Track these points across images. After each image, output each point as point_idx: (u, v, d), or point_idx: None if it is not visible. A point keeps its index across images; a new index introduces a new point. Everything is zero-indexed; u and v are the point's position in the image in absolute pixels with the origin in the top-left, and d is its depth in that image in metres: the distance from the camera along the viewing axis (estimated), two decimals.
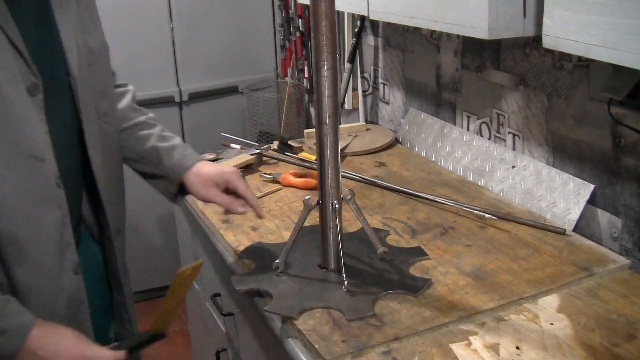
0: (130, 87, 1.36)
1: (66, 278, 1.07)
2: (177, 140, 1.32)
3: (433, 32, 1.87)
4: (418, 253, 1.31)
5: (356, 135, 2.04)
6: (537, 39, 1.18)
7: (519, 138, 1.60)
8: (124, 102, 1.31)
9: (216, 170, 1.26)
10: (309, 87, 2.75)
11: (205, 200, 1.28)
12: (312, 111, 2.74)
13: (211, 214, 1.56)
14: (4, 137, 0.96)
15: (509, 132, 1.63)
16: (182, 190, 1.29)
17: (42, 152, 1.02)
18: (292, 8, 2.74)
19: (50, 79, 1.04)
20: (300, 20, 2.69)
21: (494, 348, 1.03)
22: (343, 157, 1.90)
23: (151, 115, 1.34)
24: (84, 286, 1.11)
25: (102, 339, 1.19)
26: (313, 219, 1.31)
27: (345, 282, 1.17)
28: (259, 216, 1.28)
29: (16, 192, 0.99)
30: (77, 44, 1.08)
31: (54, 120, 1.05)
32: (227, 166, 1.28)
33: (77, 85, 1.08)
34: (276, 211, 1.56)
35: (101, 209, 1.19)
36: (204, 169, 1.26)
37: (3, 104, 0.96)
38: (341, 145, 1.57)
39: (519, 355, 1.01)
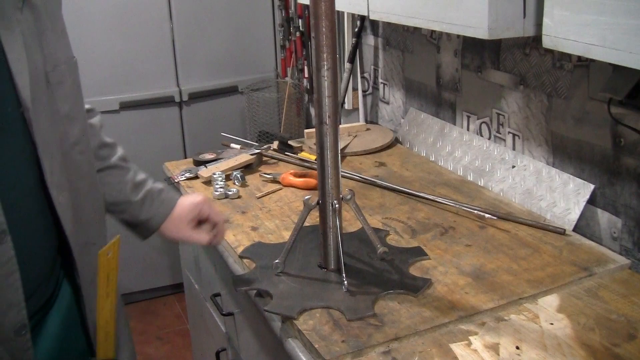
0: (96, 118, 1.22)
1: (9, 342, 0.94)
2: (149, 184, 1.26)
3: (433, 32, 1.87)
4: (418, 253, 1.32)
5: (356, 135, 2.04)
6: (537, 39, 1.18)
7: (519, 138, 1.60)
8: (93, 141, 1.17)
9: (186, 207, 1.24)
10: (309, 87, 2.75)
11: (181, 241, 1.25)
12: (312, 111, 2.74)
13: None
14: None
15: (509, 132, 1.64)
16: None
17: None
18: (292, 8, 2.74)
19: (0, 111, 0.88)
20: (300, 20, 2.69)
21: (494, 348, 1.03)
22: (343, 157, 1.90)
23: (121, 153, 1.25)
24: (30, 345, 0.96)
25: None
26: (313, 219, 1.31)
27: (345, 282, 1.17)
28: (216, 243, 1.28)
29: None
30: (30, 65, 0.90)
31: (7, 158, 0.90)
32: (196, 196, 1.27)
33: (31, 116, 0.90)
34: (276, 211, 1.56)
35: (71, 254, 1.03)
36: (176, 211, 1.24)
37: None
38: (341, 145, 1.57)
39: (518, 355, 1.01)
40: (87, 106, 1.17)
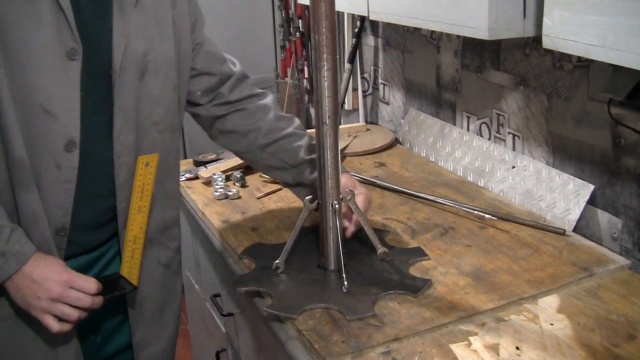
0: (269, 98, 1.41)
1: (51, 241, 1.12)
2: None
3: (433, 32, 1.87)
4: (418, 253, 1.31)
5: (356, 136, 2.04)
6: (537, 39, 1.18)
7: (519, 138, 1.61)
8: (270, 114, 1.37)
9: (347, 184, 1.29)
10: (308, 88, 2.75)
11: None
12: (312, 111, 2.74)
13: (211, 213, 1.56)
14: (17, 82, 1.02)
15: (509, 133, 1.64)
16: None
17: (57, 109, 1.06)
18: (292, 8, 2.74)
19: (93, 59, 1.09)
20: (300, 21, 2.69)
21: (494, 348, 1.03)
22: (343, 158, 1.90)
23: (297, 123, 1.40)
24: (64, 247, 1.14)
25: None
26: (313, 219, 1.31)
27: (345, 283, 1.17)
28: (347, 235, 1.29)
29: (24, 130, 1.05)
30: (127, 46, 1.12)
31: (90, 96, 1.09)
32: (361, 186, 1.33)
33: (115, 78, 1.11)
34: (276, 211, 1.56)
35: (114, 209, 1.19)
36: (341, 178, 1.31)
37: (30, 51, 1.02)
38: (341, 145, 1.57)
39: (519, 355, 1.01)
40: (259, 90, 1.41)
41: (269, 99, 1.41)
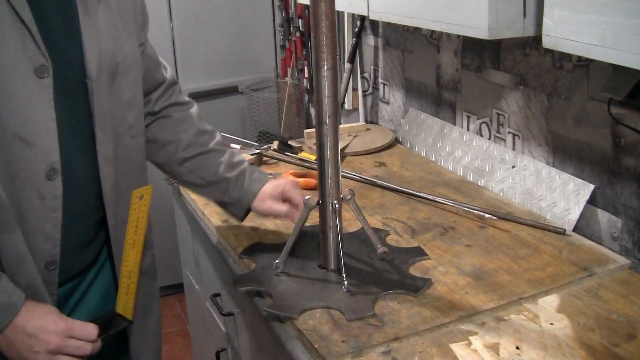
0: (194, 109, 1.36)
1: (40, 272, 1.05)
2: (244, 164, 1.35)
3: (433, 32, 1.87)
4: (418, 253, 1.31)
5: (356, 135, 2.04)
6: (537, 39, 1.18)
7: (519, 138, 1.60)
8: (193, 127, 1.33)
9: (271, 184, 1.32)
10: (309, 87, 2.75)
11: (266, 215, 1.33)
12: (312, 111, 2.74)
13: (211, 213, 1.56)
14: None
15: (509, 132, 1.64)
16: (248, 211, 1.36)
17: (33, 135, 0.98)
18: (292, 8, 2.74)
19: (64, 70, 1.02)
20: (300, 20, 2.69)
21: (494, 348, 1.03)
22: (343, 157, 1.90)
23: (219, 138, 1.36)
24: (57, 280, 1.08)
25: None
26: (313, 219, 1.31)
27: (345, 282, 1.17)
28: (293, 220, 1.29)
29: (0, 164, 0.97)
30: (100, 49, 1.05)
31: (66, 113, 1.02)
32: (284, 178, 1.32)
33: (93, 86, 1.05)
34: None
35: (106, 226, 1.15)
36: (264, 189, 1.31)
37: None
38: (341, 145, 1.57)
39: (519, 355, 1.01)
40: (185, 99, 1.37)
41: (193, 110, 1.36)
